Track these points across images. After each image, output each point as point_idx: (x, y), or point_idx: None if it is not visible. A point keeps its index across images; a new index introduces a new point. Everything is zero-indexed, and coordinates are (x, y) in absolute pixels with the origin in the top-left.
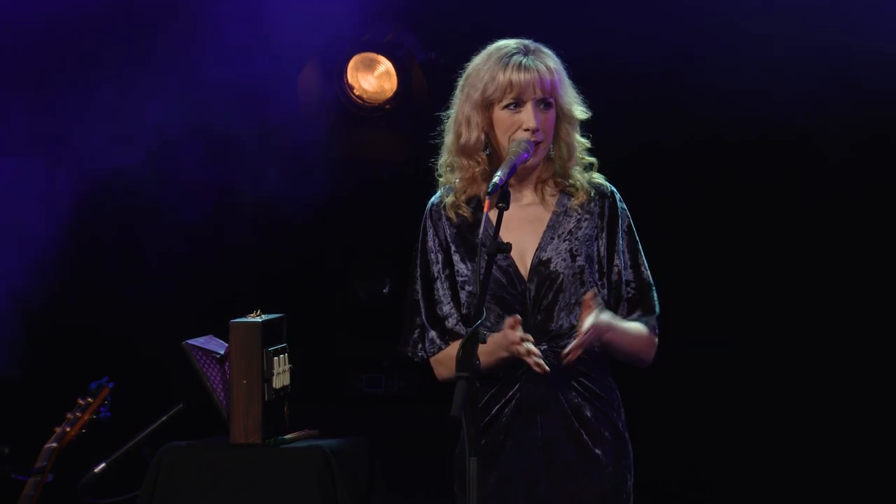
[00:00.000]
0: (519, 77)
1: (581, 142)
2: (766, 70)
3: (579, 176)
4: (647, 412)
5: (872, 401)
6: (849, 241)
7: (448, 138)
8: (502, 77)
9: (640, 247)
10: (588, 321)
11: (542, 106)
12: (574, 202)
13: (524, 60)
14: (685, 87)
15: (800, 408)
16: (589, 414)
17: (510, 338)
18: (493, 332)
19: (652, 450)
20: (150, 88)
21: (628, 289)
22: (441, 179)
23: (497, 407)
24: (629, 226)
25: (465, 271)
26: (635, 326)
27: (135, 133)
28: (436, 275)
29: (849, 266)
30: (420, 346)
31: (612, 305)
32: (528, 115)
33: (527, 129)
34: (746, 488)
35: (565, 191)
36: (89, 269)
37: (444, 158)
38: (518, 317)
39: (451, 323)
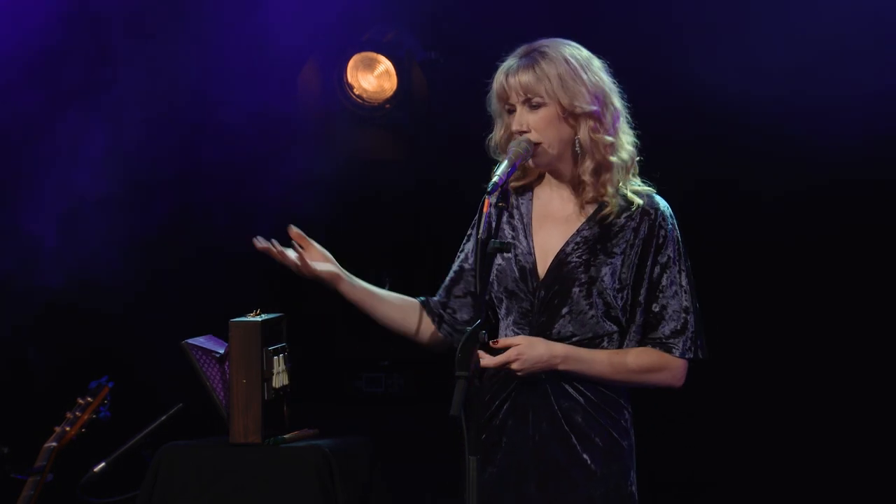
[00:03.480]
0: (502, 83)
1: (605, 140)
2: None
3: (610, 185)
4: (652, 417)
5: (875, 405)
6: (848, 244)
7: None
8: (495, 85)
9: (686, 284)
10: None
11: (528, 107)
12: (608, 212)
13: (513, 65)
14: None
15: (805, 413)
16: (580, 419)
17: None
18: (506, 320)
19: (658, 454)
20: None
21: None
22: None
23: (495, 405)
24: (670, 258)
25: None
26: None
27: (132, 133)
28: (461, 250)
29: (850, 273)
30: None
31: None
32: (515, 119)
33: (517, 132)
34: (749, 492)
35: (602, 200)
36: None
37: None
38: None
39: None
